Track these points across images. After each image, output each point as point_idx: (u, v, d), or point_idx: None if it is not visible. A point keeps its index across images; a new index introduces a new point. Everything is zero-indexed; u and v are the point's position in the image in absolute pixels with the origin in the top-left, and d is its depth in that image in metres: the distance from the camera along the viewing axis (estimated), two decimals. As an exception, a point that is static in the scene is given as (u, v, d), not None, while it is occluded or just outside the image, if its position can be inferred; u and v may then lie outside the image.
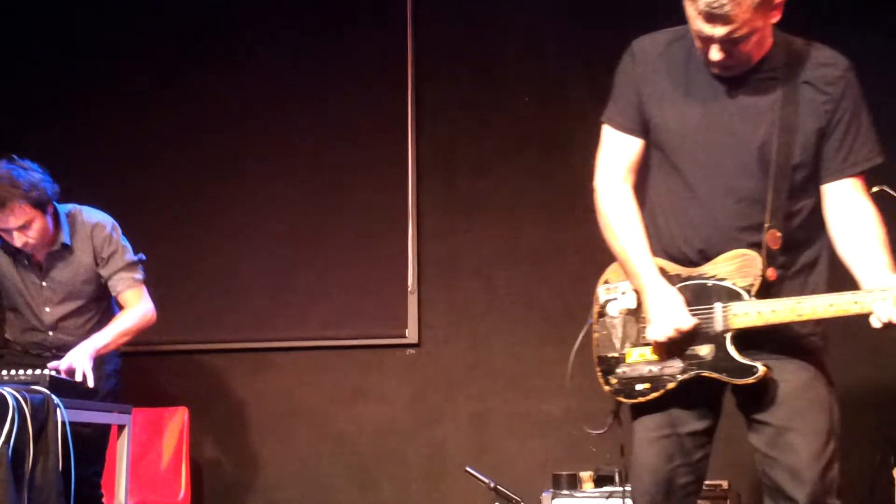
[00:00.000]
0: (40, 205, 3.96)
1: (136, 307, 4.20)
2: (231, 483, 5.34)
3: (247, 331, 5.37)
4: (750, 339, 2.67)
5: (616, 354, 2.85)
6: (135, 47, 5.69)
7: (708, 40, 2.58)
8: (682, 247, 2.78)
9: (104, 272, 4.19)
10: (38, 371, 3.62)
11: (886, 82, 4.36)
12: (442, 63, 5.44)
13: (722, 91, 2.71)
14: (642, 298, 2.77)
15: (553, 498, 4.32)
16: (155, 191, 5.53)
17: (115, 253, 4.18)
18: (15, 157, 4.00)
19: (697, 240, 2.75)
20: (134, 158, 5.57)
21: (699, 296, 2.72)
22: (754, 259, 2.67)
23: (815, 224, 2.73)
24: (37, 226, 3.98)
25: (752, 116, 2.69)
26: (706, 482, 2.96)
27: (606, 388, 2.87)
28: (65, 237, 4.12)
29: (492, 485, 4.44)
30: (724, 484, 4.30)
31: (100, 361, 4.07)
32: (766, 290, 2.66)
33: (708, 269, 2.73)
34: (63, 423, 3.41)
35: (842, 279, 2.67)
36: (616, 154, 2.88)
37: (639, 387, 2.79)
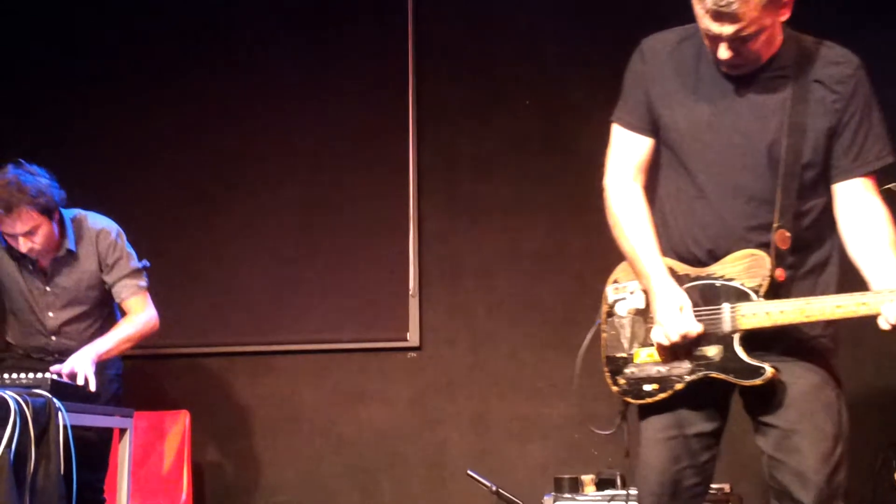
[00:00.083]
0: (47, 211, 3.96)
1: (140, 314, 4.20)
2: (233, 486, 5.33)
3: (248, 334, 5.37)
4: (758, 340, 2.66)
5: (624, 355, 2.84)
6: (135, 47, 5.67)
7: (716, 39, 2.57)
8: (690, 246, 2.77)
9: (108, 278, 4.19)
10: (39, 375, 3.60)
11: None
12: (443, 65, 5.44)
13: (731, 90, 2.69)
14: (650, 299, 2.75)
15: (555, 501, 4.31)
16: (155, 193, 5.52)
17: (120, 259, 4.18)
18: (22, 161, 3.99)
19: (706, 239, 2.74)
20: (133, 159, 5.56)
21: (707, 296, 2.70)
22: (763, 259, 2.65)
23: (825, 224, 2.72)
24: (42, 232, 3.98)
25: (761, 115, 2.67)
26: (708, 485, 2.95)
27: (614, 388, 2.86)
28: (70, 243, 4.12)
29: (493, 488, 4.43)
30: (727, 487, 4.28)
31: (102, 366, 4.06)
32: (775, 291, 2.64)
33: (716, 269, 2.72)
34: (65, 427, 3.40)
35: (852, 280, 2.65)
36: (626, 153, 2.87)
37: (647, 387, 2.78)
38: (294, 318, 5.33)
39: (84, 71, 5.67)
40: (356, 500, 5.22)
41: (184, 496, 4.89)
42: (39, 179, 3.94)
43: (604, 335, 2.91)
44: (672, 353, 2.72)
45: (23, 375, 3.60)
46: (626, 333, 2.84)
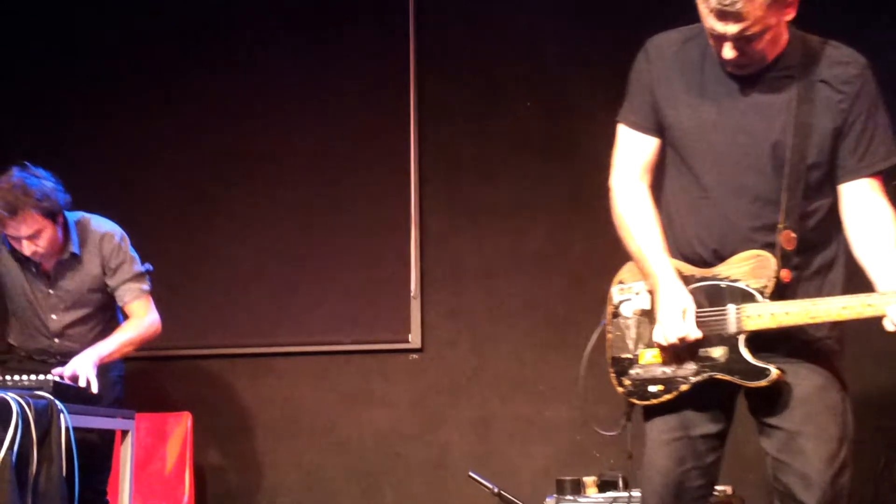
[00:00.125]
0: (51, 215, 3.96)
1: (142, 318, 4.20)
2: (235, 488, 5.32)
3: (250, 336, 5.36)
4: (764, 341, 2.65)
5: (629, 356, 2.83)
6: (135, 47, 5.66)
7: (720, 38, 2.57)
8: (696, 247, 2.77)
9: (111, 282, 4.19)
10: (42, 376, 3.60)
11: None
12: (444, 66, 5.43)
13: (736, 89, 2.69)
14: (656, 299, 2.75)
15: (556, 503, 4.30)
16: (155, 193, 5.51)
17: (123, 263, 4.18)
18: (28, 164, 3.99)
19: (711, 240, 2.74)
20: (134, 159, 5.56)
21: (713, 297, 2.70)
22: (768, 260, 2.65)
23: (831, 225, 2.71)
24: (47, 235, 3.98)
25: (766, 115, 2.67)
26: (709, 488, 2.94)
27: (620, 389, 2.85)
28: (74, 247, 4.12)
29: (495, 490, 4.42)
30: (729, 489, 4.28)
31: (105, 368, 4.06)
32: (781, 292, 2.64)
33: (722, 269, 2.71)
34: (67, 429, 3.39)
35: (859, 281, 2.65)
36: (631, 153, 2.86)
37: (652, 388, 2.77)
38: (295, 319, 5.33)
39: (84, 71, 5.66)
40: (357, 501, 5.21)
41: (185, 498, 4.88)
42: (45, 183, 3.94)
43: (609, 336, 2.90)
44: (673, 353, 2.72)
45: (25, 377, 3.60)
46: (631, 334, 2.84)
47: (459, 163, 5.36)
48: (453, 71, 5.43)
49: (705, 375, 2.69)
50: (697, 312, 2.68)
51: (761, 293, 2.64)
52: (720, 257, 2.72)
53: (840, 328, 2.72)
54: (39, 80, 5.67)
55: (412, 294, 5.24)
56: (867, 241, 2.65)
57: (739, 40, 2.54)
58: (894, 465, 4.42)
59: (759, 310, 2.63)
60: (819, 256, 2.71)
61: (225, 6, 5.64)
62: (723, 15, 2.50)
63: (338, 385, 5.32)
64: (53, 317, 4.18)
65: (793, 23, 2.65)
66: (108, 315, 4.29)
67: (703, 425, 2.77)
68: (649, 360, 2.78)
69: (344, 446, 5.26)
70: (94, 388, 3.83)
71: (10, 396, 3.26)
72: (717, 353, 2.68)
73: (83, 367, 3.87)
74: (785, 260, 2.64)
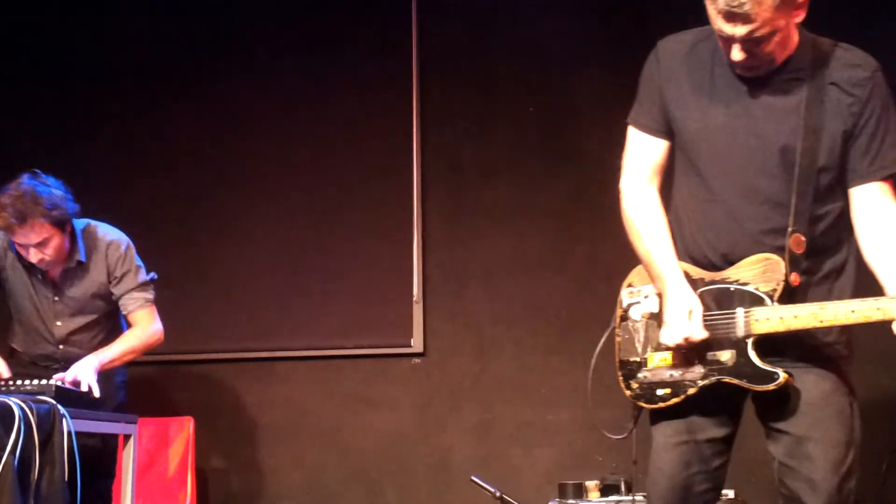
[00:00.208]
0: (60, 224, 3.98)
1: (146, 327, 4.22)
2: (237, 492, 5.32)
3: (252, 340, 5.35)
4: (772, 345, 2.64)
5: (638, 359, 2.83)
6: (135, 48, 5.66)
7: (729, 40, 2.55)
8: (705, 250, 2.76)
9: (116, 290, 4.21)
10: (44, 381, 3.61)
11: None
12: (447, 72, 5.43)
13: (745, 92, 2.67)
14: (663, 301, 2.74)
15: (559, 507, 4.32)
16: (157, 198, 5.51)
17: (129, 272, 4.20)
18: (38, 172, 3.99)
19: (720, 243, 2.73)
20: (135, 162, 5.55)
21: (721, 300, 2.69)
22: (777, 263, 2.64)
23: (842, 229, 2.70)
24: (54, 244, 3.99)
25: (775, 118, 2.65)
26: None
27: (627, 392, 2.84)
28: (80, 255, 4.13)
29: (497, 494, 4.42)
30: (731, 493, 4.27)
31: (108, 373, 4.09)
32: (790, 296, 2.63)
33: (731, 273, 2.70)
34: (69, 434, 3.40)
35: (870, 286, 2.63)
36: (641, 156, 2.85)
37: (660, 392, 2.76)
38: (298, 324, 5.33)
39: (84, 71, 5.65)
40: (360, 505, 5.22)
41: (188, 502, 4.89)
42: (54, 191, 3.96)
43: (618, 339, 2.89)
44: (682, 356, 2.71)
45: (27, 382, 3.61)
46: (639, 337, 2.83)
47: (462, 166, 5.37)
48: (456, 74, 5.43)
49: (713, 379, 2.68)
50: (706, 315, 2.67)
51: (770, 297, 2.63)
52: (729, 261, 2.71)
53: (849, 333, 2.71)
54: (39, 80, 5.66)
55: (415, 298, 5.23)
56: (877, 245, 2.63)
57: (748, 42, 2.52)
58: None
59: (767, 313, 2.62)
60: (829, 260, 2.70)
61: (227, 10, 5.63)
62: (731, 16, 2.48)
63: (340, 389, 5.31)
64: (58, 323, 4.19)
65: (804, 24, 2.64)
66: (111, 322, 4.31)
67: (710, 429, 2.75)
68: (657, 364, 2.78)
69: (346, 450, 5.26)
70: (96, 393, 3.84)
71: (13, 401, 3.27)
72: (726, 356, 2.67)
73: (84, 373, 3.88)
74: (794, 263, 2.63)
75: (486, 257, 5.28)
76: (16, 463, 3.16)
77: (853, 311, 2.53)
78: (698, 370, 2.70)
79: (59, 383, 3.64)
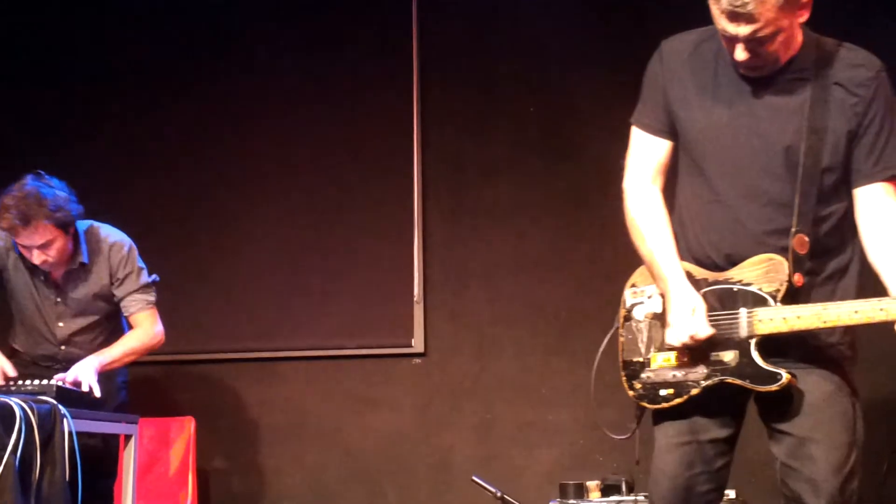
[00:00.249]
0: (64, 226, 3.97)
1: (147, 329, 4.22)
2: (238, 492, 5.32)
3: (253, 341, 5.35)
4: (775, 346, 2.64)
5: (641, 359, 2.82)
6: (135, 48, 5.65)
7: (732, 40, 2.55)
8: (708, 251, 2.75)
9: (118, 292, 4.21)
10: (45, 381, 3.61)
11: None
12: (447, 71, 5.43)
13: (749, 92, 2.67)
14: (666, 302, 2.73)
15: (559, 507, 4.31)
16: (157, 197, 5.50)
17: (131, 274, 4.20)
18: (42, 173, 3.99)
19: (723, 244, 2.72)
20: (135, 162, 5.55)
21: (724, 301, 2.69)
22: (781, 264, 2.63)
23: (846, 230, 2.70)
24: (57, 246, 3.98)
25: (779, 118, 2.65)
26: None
27: (630, 392, 2.83)
28: (83, 256, 4.13)
29: (498, 494, 4.41)
30: (732, 493, 4.27)
31: (110, 374, 4.10)
32: (793, 297, 2.62)
33: (734, 273, 2.70)
34: (70, 434, 3.40)
35: (874, 286, 2.63)
36: (644, 156, 2.84)
37: (663, 392, 2.76)
38: (299, 324, 5.32)
39: (84, 71, 5.65)
40: (361, 505, 5.22)
41: (189, 502, 4.89)
42: (58, 193, 3.95)
43: (621, 339, 2.89)
44: (688, 356, 2.71)
45: (28, 382, 3.62)
46: (643, 338, 2.82)
47: (462, 166, 5.37)
48: (456, 73, 5.43)
49: (716, 379, 2.68)
50: (709, 315, 2.67)
51: (773, 297, 2.63)
52: (732, 261, 2.71)
53: (852, 333, 2.71)
54: (39, 80, 5.65)
55: (415, 298, 5.23)
56: (881, 246, 2.62)
57: (752, 42, 2.52)
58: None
59: (770, 314, 2.61)
60: (833, 261, 2.69)
61: (227, 10, 5.63)
62: (734, 16, 2.47)
63: (341, 389, 5.31)
64: (60, 324, 4.19)
65: (808, 24, 2.63)
66: (113, 324, 4.31)
67: (713, 430, 2.75)
68: (660, 364, 2.77)
69: (347, 450, 5.26)
70: (97, 393, 3.84)
71: (14, 401, 3.27)
72: (729, 356, 2.66)
73: (85, 373, 3.88)
74: (798, 264, 2.62)
75: (486, 257, 5.28)
76: (17, 463, 3.16)
77: (856, 312, 2.52)
78: (701, 371, 2.70)
79: (59, 383, 3.64)
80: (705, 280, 2.73)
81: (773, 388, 2.61)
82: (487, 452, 5.13)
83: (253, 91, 5.56)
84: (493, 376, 5.20)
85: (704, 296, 2.69)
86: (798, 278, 2.63)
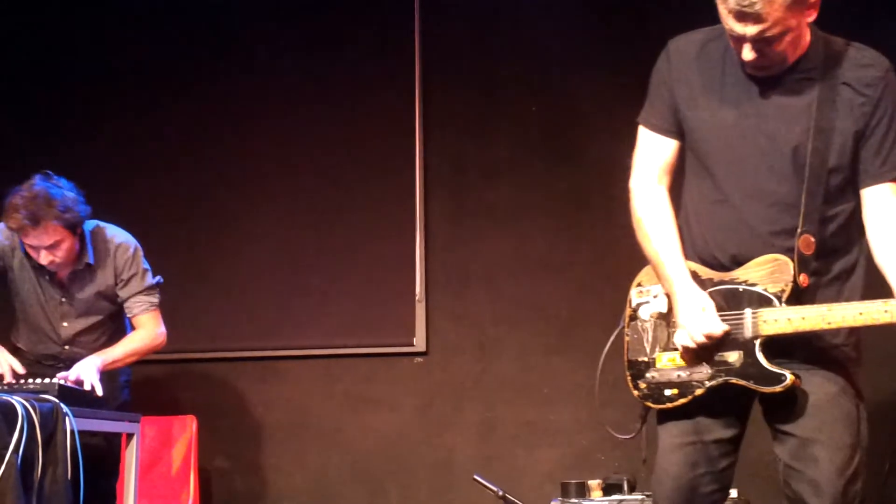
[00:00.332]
0: (72, 226, 3.98)
1: (150, 330, 4.23)
2: (239, 491, 5.31)
3: (255, 339, 5.35)
4: (780, 347, 2.63)
5: (646, 359, 2.82)
6: (135, 48, 5.65)
7: (740, 39, 2.54)
8: (714, 251, 2.75)
9: (122, 293, 4.22)
10: (47, 380, 3.61)
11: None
12: (449, 72, 5.43)
13: (756, 92, 2.66)
14: (673, 302, 2.73)
15: (561, 506, 4.31)
16: (158, 197, 5.50)
17: (136, 276, 4.21)
18: (50, 173, 3.99)
19: (729, 244, 2.72)
20: (136, 162, 5.54)
21: (729, 301, 2.68)
22: (786, 264, 2.63)
23: (853, 230, 2.69)
24: (65, 246, 3.99)
25: (786, 118, 2.64)
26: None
27: (635, 392, 2.83)
28: (89, 257, 4.14)
29: (500, 493, 4.40)
30: (734, 493, 4.27)
31: (112, 373, 4.11)
32: (799, 297, 2.62)
33: (739, 273, 2.69)
34: (72, 432, 3.40)
35: (881, 287, 2.62)
36: (651, 155, 2.84)
37: (667, 392, 2.76)
38: (301, 323, 5.32)
39: (83, 71, 5.65)
40: (362, 504, 5.22)
41: (190, 501, 4.89)
42: (67, 194, 3.96)
43: (626, 339, 2.88)
44: (696, 356, 2.70)
45: (30, 381, 3.63)
46: (648, 337, 2.82)
47: (464, 167, 5.37)
48: (458, 75, 5.43)
49: (720, 380, 2.68)
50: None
51: (778, 298, 2.62)
52: (738, 262, 2.70)
53: (857, 335, 2.70)
54: (39, 80, 5.65)
55: (417, 297, 5.23)
56: (888, 247, 2.61)
57: (759, 42, 2.51)
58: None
59: (775, 314, 2.61)
60: (839, 262, 2.69)
61: (227, 10, 5.63)
62: (742, 16, 2.47)
63: (343, 388, 5.31)
64: (65, 324, 4.20)
65: (816, 23, 2.63)
66: (116, 324, 4.32)
67: (717, 430, 2.75)
68: (665, 364, 2.77)
69: (349, 449, 5.26)
70: (99, 392, 3.84)
71: (16, 400, 3.27)
72: (733, 357, 2.66)
73: (87, 372, 3.89)
74: (803, 265, 2.62)
75: (488, 257, 5.28)
76: (19, 461, 3.16)
77: (861, 314, 2.52)
78: (706, 371, 2.70)
79: (62, 382, 3.65)
80: (710, 280, 2.72)
81: (777, 389, 2.60)
82: (489, 452, 5.13)
83: (253, 91, 5.56)
84: (495, 376, 5.20)
85: (710, 296, 2.69)
86: (803, 279, 2.62)
